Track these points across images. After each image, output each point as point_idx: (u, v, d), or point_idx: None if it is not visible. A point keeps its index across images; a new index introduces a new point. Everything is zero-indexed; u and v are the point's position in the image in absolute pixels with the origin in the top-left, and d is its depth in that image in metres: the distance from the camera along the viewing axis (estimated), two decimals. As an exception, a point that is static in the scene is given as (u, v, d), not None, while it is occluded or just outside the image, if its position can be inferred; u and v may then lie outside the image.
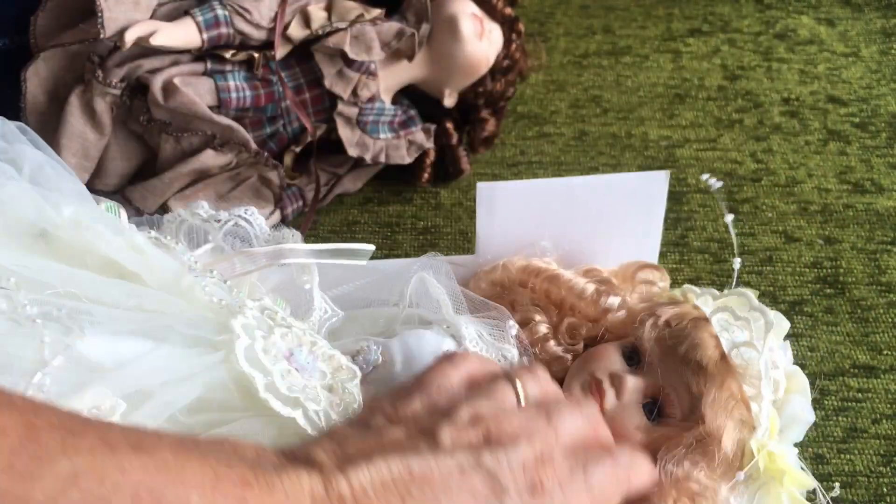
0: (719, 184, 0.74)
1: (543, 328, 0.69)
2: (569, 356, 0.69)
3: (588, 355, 0.68)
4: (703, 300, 0.68)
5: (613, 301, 0.69)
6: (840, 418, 0.82)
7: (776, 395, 0.66)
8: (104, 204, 0.63)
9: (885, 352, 0.87)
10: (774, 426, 0.63)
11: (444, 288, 0.67)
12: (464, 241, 0.96)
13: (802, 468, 0.65)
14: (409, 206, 0.99)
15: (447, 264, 0.69)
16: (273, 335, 0.55)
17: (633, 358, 0.65)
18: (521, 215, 0.74)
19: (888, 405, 0.83)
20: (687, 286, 0.71)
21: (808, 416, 0.66)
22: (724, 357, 0.62)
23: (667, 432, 0.61)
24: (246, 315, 0.55)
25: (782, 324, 0.72)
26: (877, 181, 1.03)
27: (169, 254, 0.61)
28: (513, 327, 0.66)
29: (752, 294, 0.67)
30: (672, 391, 0.62)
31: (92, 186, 0.83)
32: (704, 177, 0.75)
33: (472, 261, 0.76)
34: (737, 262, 0.75)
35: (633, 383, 0.63)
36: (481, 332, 0.65)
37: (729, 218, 0.74)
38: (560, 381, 0.68)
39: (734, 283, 0.75)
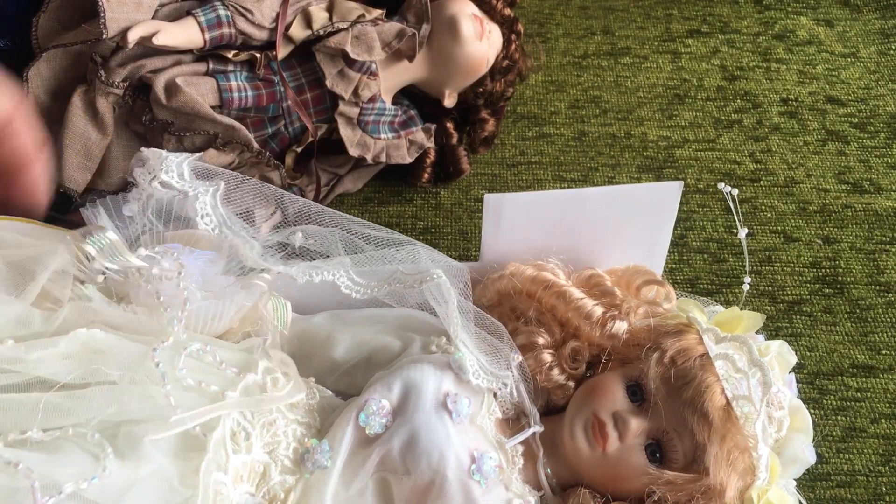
0: (736, 191, 0.73)
1: (548, 356, 0.68)
2: (572, 384, 0.69)
3: (591, 388, 0.67)
4: (707, 337, 0.66)
5: (620, 327, 0.68)
6: (839, 418, 0.83)
7: (779, 433, 0.66)
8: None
9: (883, 351, 0.87)
10: (775, 472, 0.63)
11: (454, 300, 0.66)
12: (464, 241, 0.96)
13: (801, 502, 0.66)
14: (409, 206, 0.99)
15: (466, 275, 0.69)
16: (228, 465, 0.57)
17: (637, 393, 0.65)
18: (528, 226, 0.73)
19: (887, 405, 0.84)
20: (692, 315, 0.70)
21: (808, 458, 0.66)
22: (727, 405, 0.62)
23: (668, 477, 0.61)
24: (209, 449, 0.56)
25: (789, 358, 0.70)
26: (875, 181, 1.03)
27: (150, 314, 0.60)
28: (517, 358, 0.66)
29: (754, 346, 0.65)
30: (675, 435, 0.62)
31: (94, 186, 0.83)
32: (721, 185, 0.74)
33: (476, 268, 0.75)
34: (746, 283, 0.74)
35: (636, 426, 0.63)
36: (482, 363, 0.65)
37: (742, 234, 0.73)
38: (562, 407, 0.68)
39: (742, 302, 0.74)
